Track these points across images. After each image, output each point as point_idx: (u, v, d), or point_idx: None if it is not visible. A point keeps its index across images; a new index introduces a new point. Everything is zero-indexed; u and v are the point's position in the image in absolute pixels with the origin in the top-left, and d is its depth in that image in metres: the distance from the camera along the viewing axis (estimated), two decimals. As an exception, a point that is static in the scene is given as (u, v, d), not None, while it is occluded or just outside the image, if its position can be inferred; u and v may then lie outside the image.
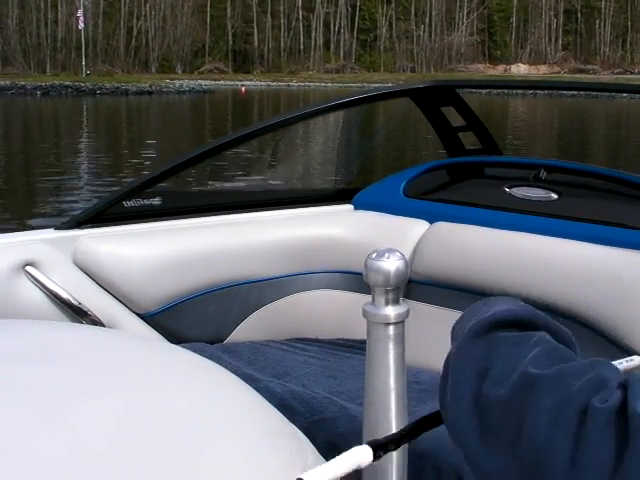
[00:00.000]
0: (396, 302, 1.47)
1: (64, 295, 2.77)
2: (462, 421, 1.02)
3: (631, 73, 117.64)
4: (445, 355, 3.06)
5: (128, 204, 3.00)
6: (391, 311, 1.46)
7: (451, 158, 3.60)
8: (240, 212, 3.29)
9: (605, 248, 2.71)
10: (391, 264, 1.45)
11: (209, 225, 3.17)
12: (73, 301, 2.78)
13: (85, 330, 2.08)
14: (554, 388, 0.93)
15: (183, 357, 1.60)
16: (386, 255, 1.47)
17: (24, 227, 10.35)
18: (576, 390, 0.92)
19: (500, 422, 0.97)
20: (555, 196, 3.07)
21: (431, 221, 3.18)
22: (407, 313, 1.48)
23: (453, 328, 1.20)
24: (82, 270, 2.87)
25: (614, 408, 0.87)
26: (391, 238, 3.12)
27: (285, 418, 1.46)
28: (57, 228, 2.93)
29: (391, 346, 1.47)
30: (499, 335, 1.05)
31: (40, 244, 2.81)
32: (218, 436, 1.25)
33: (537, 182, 3.15)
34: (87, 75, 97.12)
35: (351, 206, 3.47)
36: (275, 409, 1.48)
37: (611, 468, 0.84)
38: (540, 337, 1.03)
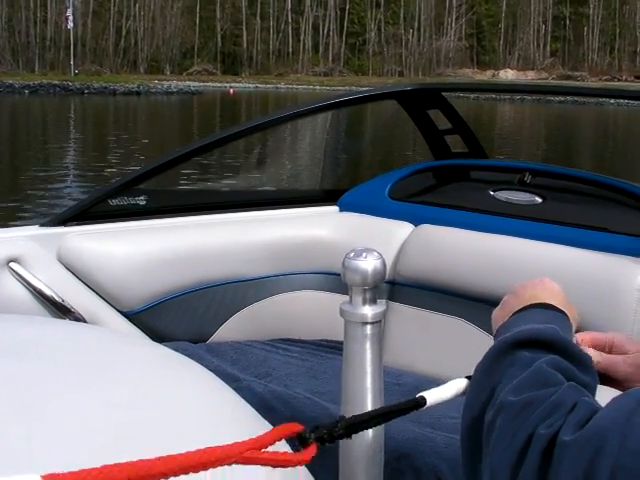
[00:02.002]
0: (373, 301, 1.47)
1: (48, 292, 2.77)
2: (464, 437, 1.10)
3: (619, 80, 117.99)
4: (427, 357, 3.06)
5: (114, 202, 3.00)
6: (368, 310, 1.46)
7: (437, 161, 3.61)
8: (225, 212, 3.30)
9: (589, 252, 2.73)
10: (368, 263, 1.46)
11: (194, 224, 3.18)
12: (57, 298, 2.78)
13: (66, 326, 2.09)
14: (516, 415, 0.99)
15: (161, 354, 1.61)
16: (363, 255, 1.48)
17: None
18: (533, 417, 0.98)
19: (483, 445, 1.05)
20: (539, 200, 3.09)
21: (416, 223, 3.19)
22: (384, 313, 1.49)
23: (498, 330, 1.26)
24: (66, 267, 2.87)
25: (551, 436, 0.94)
26: (376, 240, 3.13)
27: (260, 416, 1.46)
28: (42, 225, 2.93)
29: (368, 345, 1.47)
30: (516, 356, 1.11)
31: (25, 241, 2.81)
32: (190, 432, 1.26)
33: (522, 186, 3.16)
34: (75, 74, 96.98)
35: (336, 207, 3.48)
36: (251, 408, 1.48)
37: None
38: (541, 362, 1.07)
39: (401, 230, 3.19)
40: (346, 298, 1.50)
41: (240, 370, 2.76)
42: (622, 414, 0.91)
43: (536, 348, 1.11)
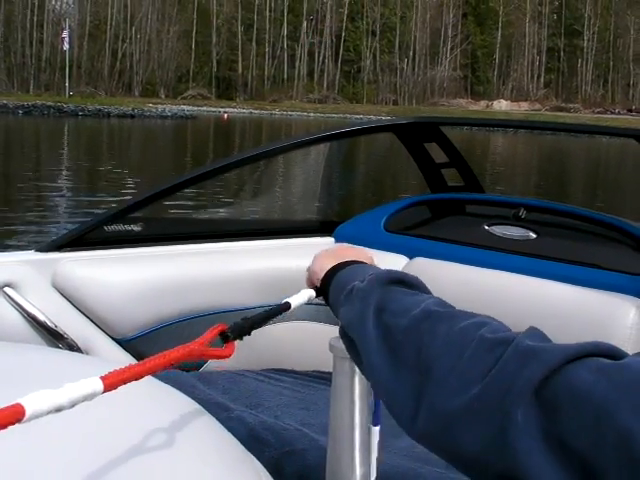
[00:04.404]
0: None
1: (41, 318, 2.76)
2: (372, 346, 1.20)
3: (612, 113, 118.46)
4: None
5: (109, 229, 3.00)
6: None
7: (433, 194, 3.62)
8: (221, 241, 3.30)
9: (581, 289, 2.73)
10: None
11: (189, 253, 3.18)
12: (50, 324, 2.77)
13: (58, 355, 2.07)
14: (448, 320, 1.12)
15: (152, 386, 1.60)
16: None
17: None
18: (467, 324, 1.09)
19: (403, 345, 1.14)
20: (534, 235, 3.10)
21: (410, 256, 3.19)
22: None
23: (329, 276, 1.53)
24: (60, 293, 2.87)
25: (499, 339, 1.01)
26: None
27: (247, 451, 1.46)
28: (37, 250, 2.93)
29: (356, 380, 1.48)
30: (394, 287, 1.29)
31: (20, 265, 2.80)
32: (172, 466, 1.26)
33: (517, 221, 3.17)
34: (70, 96, 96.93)
35: (332, 239, 3.48)
36: (238, 442, 1.48)
37: (481, 377, 0.97)
38: (429, 296, 1.27)
39: (395, 262, 3.19)
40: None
41: (231, 400, 2.75)
42: None
43: (405, 286, 1.30)
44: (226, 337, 1.35)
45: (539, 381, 0.91)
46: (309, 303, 3.26)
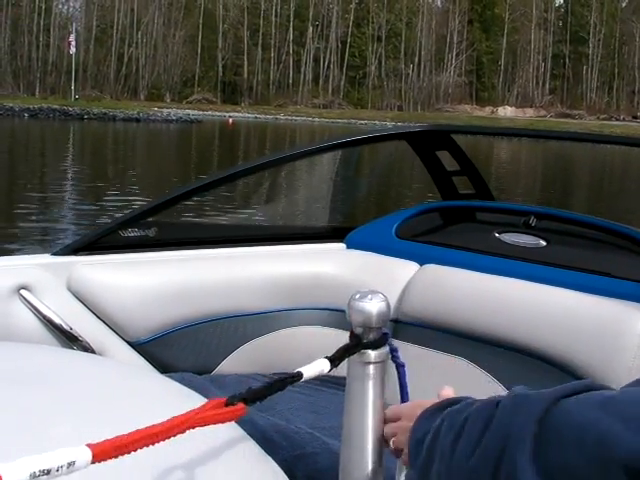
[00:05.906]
0: None
1: (57, 320, 2.79)
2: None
3: (616, 119, 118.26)
4: (428, 395, 3.09)
5: (124, 233, 3.03)
6: (372, 351, 1.48)
7: (444, 201, 3.64)
8: (234, 246, 3.32)
9: (592, 297, 2.74)
10: (373, 305, 1.47)
11: (202, 258, 3.20)
12: (65, 326, 2.80)
13: (73, 356, 2.10)
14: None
15: (166, 387, 1.63)
16: (369, 296, 1.50)
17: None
18: (469, 413, 1.10)
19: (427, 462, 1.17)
20: (544, 243, 3.11)
21: (421, 263, 3.21)
22: (388, 353, 1.52)
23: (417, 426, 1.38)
24: (76, 296, 2.89)
25: (486, 403, 1.05)
26: (381, 278, 3.15)
27: (264, 452, 1.47)
28: (53, 253, 2.96)
29: (370, 385, 1.48)
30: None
31: (36, 269, 2.83)
32: (193, 467, 1.27)
33: (527, 229, 3.18)
34: (76, 99, 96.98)
35: (343, 245, 3.50)
36: (254, 443, 1.50)
37: (479, 437, 1.02)
38: (452, 410, 1.24)
39: (406, 269, 3.21)
40: None
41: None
42: None
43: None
44: (231, 404, 1.22)
45: (534, 423, 0.92)
46: (324, 308, 3.30)
